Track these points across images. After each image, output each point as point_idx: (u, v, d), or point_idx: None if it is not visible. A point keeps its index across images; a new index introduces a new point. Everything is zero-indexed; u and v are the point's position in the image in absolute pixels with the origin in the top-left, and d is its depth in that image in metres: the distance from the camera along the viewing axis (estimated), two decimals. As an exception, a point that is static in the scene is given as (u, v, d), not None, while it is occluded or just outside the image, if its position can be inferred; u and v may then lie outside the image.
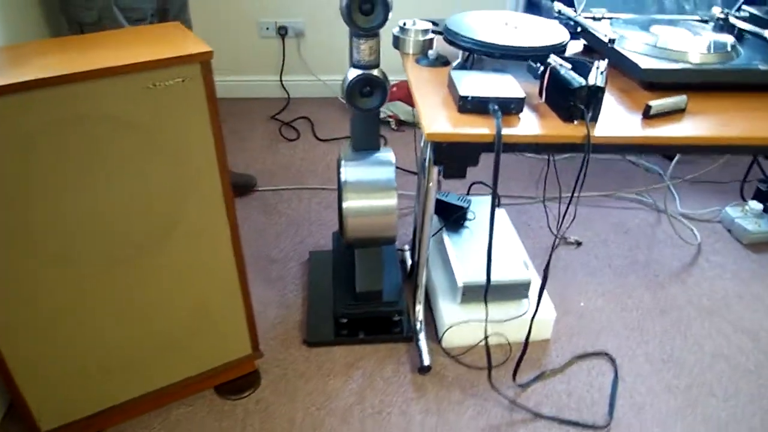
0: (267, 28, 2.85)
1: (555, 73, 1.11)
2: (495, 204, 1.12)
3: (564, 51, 1.31)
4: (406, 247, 1.92)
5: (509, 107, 1.10)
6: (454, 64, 1.32)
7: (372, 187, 1.47)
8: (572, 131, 1.08)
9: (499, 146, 1.04)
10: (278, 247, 1.98)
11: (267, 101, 2.95)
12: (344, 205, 1.46)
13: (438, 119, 1.09)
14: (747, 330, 1.72)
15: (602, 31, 1.35)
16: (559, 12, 1.48)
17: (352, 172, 1.48)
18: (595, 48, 1.43)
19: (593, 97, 1.07)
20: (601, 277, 1.90)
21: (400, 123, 2.74)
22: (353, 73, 1.37)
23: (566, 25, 1.46)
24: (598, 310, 1.77)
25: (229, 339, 1.43)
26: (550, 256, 1.13)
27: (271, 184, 2.31)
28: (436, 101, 1.17)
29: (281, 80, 2.97)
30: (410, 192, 2.27)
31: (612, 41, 1.30)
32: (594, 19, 1.48)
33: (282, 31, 2.85)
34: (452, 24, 1.34)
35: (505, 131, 1.06)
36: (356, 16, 1.28)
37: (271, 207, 2.18)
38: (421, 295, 1.59)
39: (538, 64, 1.17)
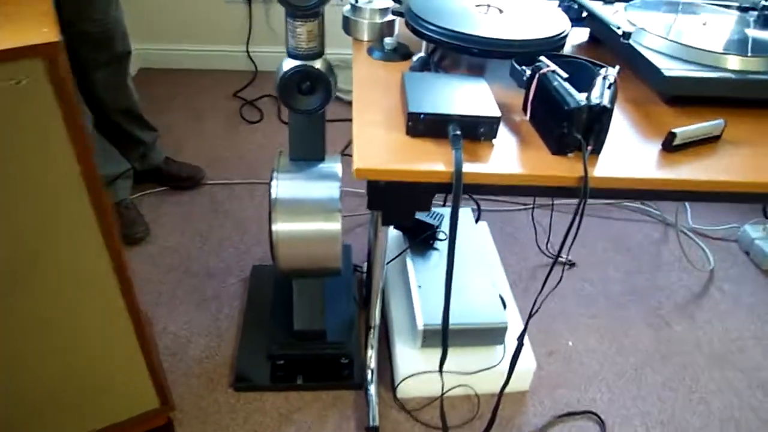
0: (231, -9, 2.49)
1: (545, 85, 0.80)
2: (452, 259, 0.82)
3: (561, 46, 0.99)
4: (365, 266, 1.62)
5: (477, 131, 0.79)
6: (414, 59, 0.99)
7: (310, 207, 1.17)
8: (564, 169, 0.77)
9: (458, 191, 0.73)
10: (219, 256, 1.69)
11: (232, 74, 2.61)
12: (274, 228, 1.17)
13: (375, 145, 0.78)
14: (764, 384, 1.44)
15: (615, 19, 1.02)
16: (561, -9, 1.15)
17: (285, 187, 1.17)
18: (604, 41, 1.10)
19: (596, 122, 0.76)
20: (595, 308, 1.61)
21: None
22: (288, 65, 1.06)
23: (568, 9, 1.13)
24: (588, 352, 1.49)
25: (131, 392, 1.15)
26: (535, 302, 0.84)
27: (222, 176, 2.00)
28: (381, 115, 0.85)
29: (248, 51, 2.62)
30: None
31: (627, 35, 0.98)
32: (605, 2, 1.15)
33: (248, -5, 2.49)
34: (416, 4, 1.01)
35: (468, 167, 0.75)
36: (289, -10, 0.96)
37: (218, 205, 1.88)
38: (373, 338, 1.30)
39: (524, 68, 0.85)
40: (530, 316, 0.93)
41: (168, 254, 1.68)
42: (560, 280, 1.66)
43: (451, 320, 0.92)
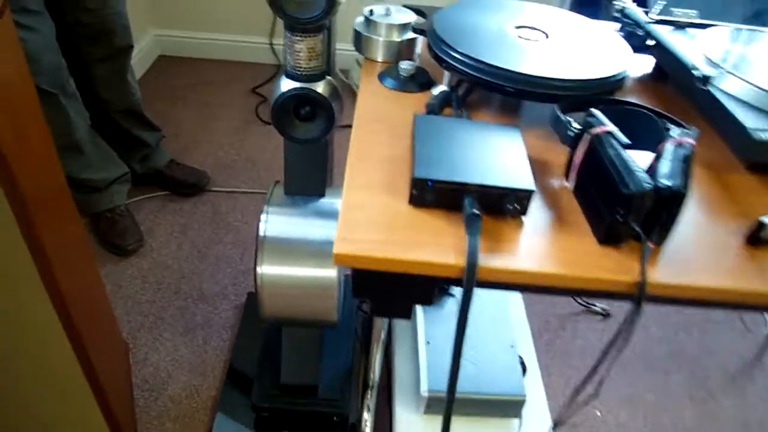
0: (256, -21, 2.33)
1: (598, 151, 0.61)
2: (460, 348, 0.64)
3: (619, 87, 0.79)
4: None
5: (502, 206, 0.60)
6: (434, 92, 0.81)
7: (303, 249, 1.00)
8: (612, 267, 0.58)
9: (469, 293, 0.55)
10: (214, 277, 1.54)
11: (253, 67, 2.46)
12: (259, 270, 1.00)
13: (366, 216, 0.60)
14: (828, 484, 1.23)
15: (691, 54, 0.82)
16: (622, 12, 0.94)
17: (276, 224, 1.01)
18: (674, 79, 0.90)
19: (662, 209, 0.57)
20: (632, 372, 1.41)
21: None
22: (285, 86, 0.88)
23: (630, 36, 0.92)
24: (619, 428, 1.29)
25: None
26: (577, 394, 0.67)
27: (228, 182, 1.85)
28: (380, 170, 0.67)
29: (271, 44, 2.45)
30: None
31: (705, 80, 0.77)
32: (676, 26, 0.94)
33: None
34: (441, 23, 0.82)
35: (486, 259, 0.57)
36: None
37: (220, 217, 1.73)
38: (371, 399, 1.14)
39: (570, 120, 0.66)
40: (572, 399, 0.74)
41: (160, 270, 1.54)
42: (605, 317, 1.46)
43: (461, 387, 0.76)
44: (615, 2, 0.94)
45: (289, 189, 1.03)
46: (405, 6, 0.94)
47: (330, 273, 1.01)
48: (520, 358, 1.17)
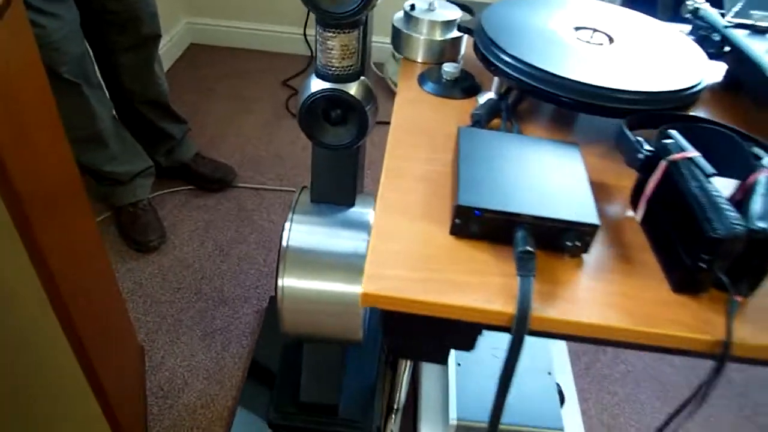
0: (290, -33, 2.26)
1: (675, 182, 0.51)
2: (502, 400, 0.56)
3: (694, 101, 0.69)
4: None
5: (560, 243, 0.52)
6: (480, 100, 0.72)
7: (329, 262, 0.93)
8: (689, 322, 0.49)
9: (519, 345, 0.47)
10: (237, 278, 1.48)
11: (285, 58, 2.39)
12: (280, 282, 0.93)
13: (399, 247, 0.52)
14: None
15: (775, 66, 0.71)
16: (695, 14, 0.84)
17: (300, 234, 0.94)
18: (751, 90, 0.79)
19: (756, 256, 0.47)
20: (678, 400, 1.31)
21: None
22: (315, 86, 0.81)
23: (703, 40, 0.82)
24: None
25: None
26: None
27: (255, 178, 1.79)
28: (417, 190, 0.59)
29: (305, 34, 2.38)
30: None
31: (796, 95, 0.67)
32: (754, 30, 0.83)
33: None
34: (491, 21, 0.73)
35: (540, 308, 0.48)
36: (319, -10, 0.70)
37: (246, 214, 1.67)
38: (395, 424, 1.06)
39: (640, 139, 0.57)
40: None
41: (181, 269, 1.49)
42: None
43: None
44: (688, 2, 0.84)
45: (316, 196, 0.96)
46: (450, 1, 0.85)
47: (356, 289, 0.93)
48: (558, 386, 1.08)
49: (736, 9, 0.84)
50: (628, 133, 0.60)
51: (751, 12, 0.84)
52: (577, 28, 0.75)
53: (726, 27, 0.80)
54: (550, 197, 0.53)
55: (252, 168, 1.82)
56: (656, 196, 0.55)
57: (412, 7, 0.82)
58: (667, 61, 0.71)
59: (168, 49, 2.22)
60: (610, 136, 0.67)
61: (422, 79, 0.78)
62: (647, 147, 0.57)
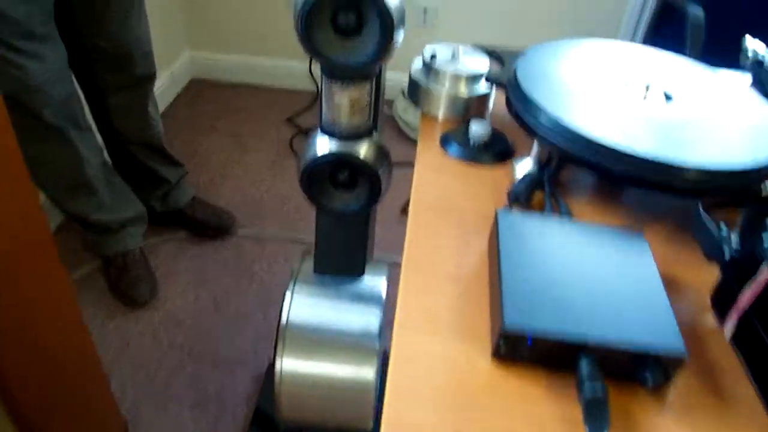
0: None
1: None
2: None
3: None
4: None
5: (634, 373, 0.39)
6: (518, 174, 0.60)
7: (335, 342, 0.81)
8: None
9: None
10: (232, 339, 1.36)
11: (289, 94, 2.30)
12: (278, 365, 0.81)
13: (422, 381, 0.41)
14: None
15: None
16: (757, 60, 0.73)
17: (302, 308, 0.82)
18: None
19: None
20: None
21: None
22: (319, 146, 0.70)
23: (766, 84, 0.71)
24: None
25: None
26: None
27: (256, 226, 1.68)
28: (446, 293, 0.48)
29: (310, 69, 2.29)
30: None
31: None
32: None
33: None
34: (526, 70, 0.63)
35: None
36: (325, 37, 0.59)
37: (245, 266, 1.55)
38: None
39: (729, 235, 0.45)
40: None
41: (173, 326, 1.37)
42: None
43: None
44: (749, 47, 0.73)
45: (321, 266, 0.84)
46: (476, 46, 0.74)
47: (366, 373, 0.81)
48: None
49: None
50: (707, 219, 0.48)
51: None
52: (627, 84, 0.64)
53: (799, 80, 0.69)
54: (621, 314, 0.41)
55: (253, 212, 1.72)
56: (755, 310, 0.43)
57: (433, 56, 0.71)
58: (740, 123, 0.60)
59: (167, 85, 2.13)
60: (674, 210, 0.56)
61: (446, 141, 0.67)
62: (735, 239, 0.45)
